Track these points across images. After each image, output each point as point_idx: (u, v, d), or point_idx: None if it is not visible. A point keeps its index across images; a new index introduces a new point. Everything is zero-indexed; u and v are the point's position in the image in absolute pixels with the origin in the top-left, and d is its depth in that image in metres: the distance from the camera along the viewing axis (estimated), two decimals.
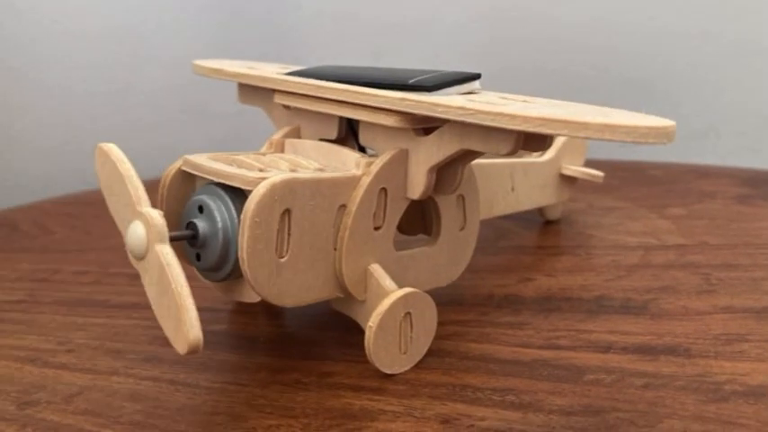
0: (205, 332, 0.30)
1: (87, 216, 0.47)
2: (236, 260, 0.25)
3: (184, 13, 0.59)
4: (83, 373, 0.28)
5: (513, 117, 0.23)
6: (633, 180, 0.48)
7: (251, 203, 0.24)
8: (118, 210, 0.25)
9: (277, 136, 0.31)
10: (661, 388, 0.25)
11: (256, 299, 0.26)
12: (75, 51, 0.57)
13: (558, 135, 0.23)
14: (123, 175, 0.24)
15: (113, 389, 0.26)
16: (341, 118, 0.30)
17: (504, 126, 0.23)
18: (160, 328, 0.31)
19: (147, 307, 0.33)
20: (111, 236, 0.43)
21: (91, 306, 0.33)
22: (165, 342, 0.30)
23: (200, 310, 0.32)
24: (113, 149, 0.25)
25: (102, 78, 0.58)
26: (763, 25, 0.56)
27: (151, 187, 0.51)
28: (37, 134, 0.58)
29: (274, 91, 0.31)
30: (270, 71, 0.33)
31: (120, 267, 0.37)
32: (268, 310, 0.32)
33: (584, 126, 0.21)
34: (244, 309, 0.32)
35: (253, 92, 0.34)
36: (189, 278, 0.33)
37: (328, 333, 0.30)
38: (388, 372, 0.27)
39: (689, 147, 0.57)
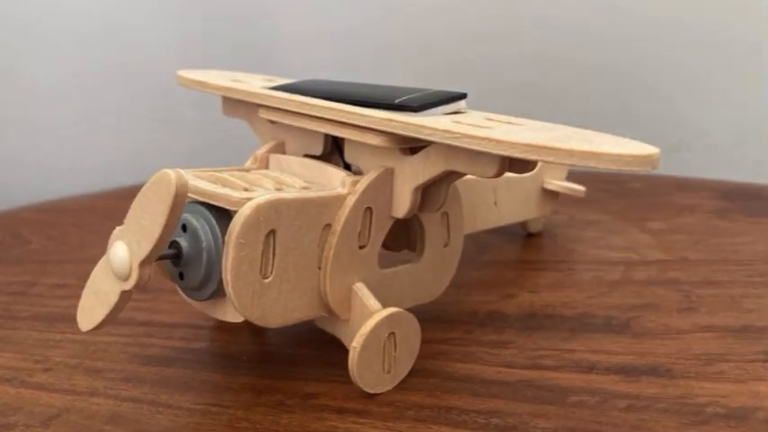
0: (186, 350, 0.30)
1: (64, 225, 0.46)
2: (220, 280, 0.25)
3: (159, 18, 0.58)
4: (61, 394, 0.27)
5: (499, 142, 0.23)
6: (614, 192, 0.49)
7: (236, 225, 0.23)
8: None
9: (261, 151, 0.31)
10: (644, 410, 0.25)
11: (240, 319, 0.26)
12: (46, 56, 0.56)
13: (544, 161, 0.23)
14: None
15: (92, 411, 0.26)
16: (326, 134, 0.30)
17: (490, 151, 0.23)
18: (140, 345, 0.31)
19: (126, 323, 0.32)
20: (89, 246, 0.42)
21: (69, 321, 0.33)
22: (146, 360, 0.29)
23: (180, 326, 0.32)
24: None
25: (74, 83, 0.57)
26: (732, 42, 0.57)
27: (121, 194, 0.51)
28: (4, 140, 0.57)
29: (259, 105, 0.31)
30: (255, 85, 0.32)
31: None
32: (250, 327, 0.32)
33: (570, 153, 0.21)
34: (225, 326, 0.32)
35: (237, 105, 0.33)
36: (170, 292, 0.33)
37: (311, 351, 0.30)
38: (372, 391, 0.26)
39: (667, 159, 0.58)
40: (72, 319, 0.33)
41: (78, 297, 0.35)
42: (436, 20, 0.59)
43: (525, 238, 0.42)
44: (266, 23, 0.59)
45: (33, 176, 0.57)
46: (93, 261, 0.39)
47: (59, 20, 0.56)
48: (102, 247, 0.41)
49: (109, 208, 0.49)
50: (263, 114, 0.31)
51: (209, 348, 0.30)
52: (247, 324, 0.32)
